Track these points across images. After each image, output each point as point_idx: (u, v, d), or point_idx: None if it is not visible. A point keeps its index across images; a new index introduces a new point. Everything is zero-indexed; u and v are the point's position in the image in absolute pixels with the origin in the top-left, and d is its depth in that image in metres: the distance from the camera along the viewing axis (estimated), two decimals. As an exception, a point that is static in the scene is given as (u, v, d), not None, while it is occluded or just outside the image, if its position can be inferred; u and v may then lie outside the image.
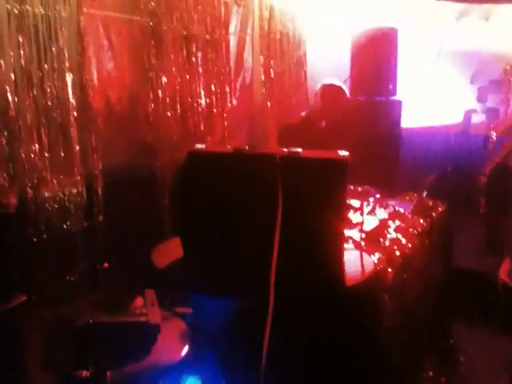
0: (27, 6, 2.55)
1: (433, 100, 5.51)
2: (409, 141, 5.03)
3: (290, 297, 1.93)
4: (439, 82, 5.56)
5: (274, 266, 1.88)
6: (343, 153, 1.96)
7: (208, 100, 3.69)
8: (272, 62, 4.31)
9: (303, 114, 3.74)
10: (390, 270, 2.38)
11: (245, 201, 2.02)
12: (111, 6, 2.93)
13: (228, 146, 3.80)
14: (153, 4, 3.15)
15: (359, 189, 3.38)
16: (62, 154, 2.73)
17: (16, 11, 2.52)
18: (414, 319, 2.77)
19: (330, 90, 3.52)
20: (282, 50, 4.44)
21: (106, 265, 2.91)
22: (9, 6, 2.48)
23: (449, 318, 3.39)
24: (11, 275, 1.92)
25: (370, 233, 2.62)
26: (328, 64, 4.84)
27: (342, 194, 1.97)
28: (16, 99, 2.53)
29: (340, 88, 3.56)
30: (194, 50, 3.52)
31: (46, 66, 2.64)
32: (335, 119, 3.56)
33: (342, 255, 1.98)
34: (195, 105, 3.57)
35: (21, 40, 2.53)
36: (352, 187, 3.24)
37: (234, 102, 4.00)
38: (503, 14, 5.85)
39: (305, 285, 1.94)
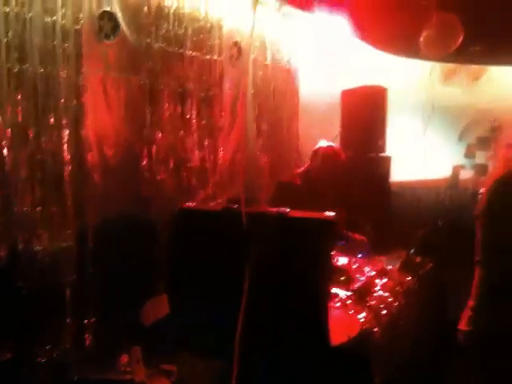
0: (27, 65, 2.64)
1: (423, 155, 5.62)
2: (399, 195, 5.11)
3: (276, 357, 1.93)
4: (429, 138, 5.70)
5: (261, 327, 1.90)
6: (330, 213, 2.01)
7: (201, 155, 3.76)
8: (264, 117, 4.42)
9: (299, 171, 3.80)
10: (376, 329, 2.39)
11: (232, 258, 2.06)
12: (110, 66, 3.03)
13: (219, 201, 3.89)
14: (150, 63, 3.26)
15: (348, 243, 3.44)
16: (55, 209, 2.77)
17: (16, 70, 2.61)
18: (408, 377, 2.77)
19: (329, 153, 3.61)
20: (274, 107, 4.56)
21: (93, 319, 2.91)
22: (9, 65, 2.58)
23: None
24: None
25: (356, 291, 2.65)
26: (319, 118, 4.97)
27: (329, 253, 2.02)
28: (11, 154, 2.59)
29: (338, 150, 3.67)
30: (189, 106, 3.62)
31: (43, 122, 2.72)
32: (333, 180, 3.64)
33: (328, 315, 2.00)
34: (188, 160, 3.64)
35: (19, 97, 2.62)
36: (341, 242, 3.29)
37: (227, 156, 4.07)
38: (492, 73, 6.07)
39: (291, 344, 1.96)
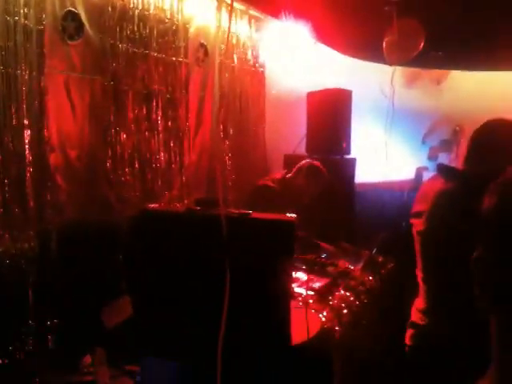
0: (-12, 66, 2.61)
1: (386, 157, 5.73)
2: (363, 196, 5.21)
3: (237, 358, 1.96)
4: (392, 141, 5.81)
5: (222, 327, 1.92)
6: (291, 215, 2.05)
7: (166, 156, 3.77)
8: (230, 119, 4.45)
9: (276, 176, 3.83)
10: (337, 328, 2.44)
11: (195, 261, 2.07)
12: (74, 67, 3.01)
13: (186, 202, 3.90)
14: (114, 65, 3.25)
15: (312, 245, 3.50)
16: (17, 210, 2.75)
17: (-23, 70, 2.58)
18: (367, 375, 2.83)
19: (313, 172, 3.68)
20: (241, 109, 4.60)
21: (56, 321, 2.88)
22: (-31, 65, 2.55)
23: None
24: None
25: (318, 290, 2.70)
26: (285, 121, 5.02)
27: (290, 254, 2.05)
28: (-28, 154, 2.56)
29: (323, 170, 3.74)
30: (154, 107, 3.62)
31: (4, 122, 2.69)
32: (313, 196, 3.71)
33: (289, 314, 2.04)
34: (153, 161, 3.64)
35: (-20, 98, 2.59)
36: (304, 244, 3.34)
37: (193, 157, 4.09)
38: (454, 78, 6.24)
39: (251, 345, 1.98)
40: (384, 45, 3.63)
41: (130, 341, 2.37)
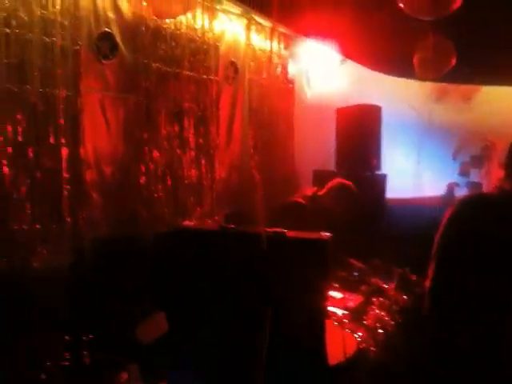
0: (28, 86, 2.68)
1: (417, 173, 5.68)
2: (394, 212, 5.15)
3: (275, 378, 1.94)
4: (423, 156, 5.76)
5: (259, 344, 1.91)
6: (325, 234, 2.04)
7: (197, 172, 3.80)
8: (260, 135, 4.47)
9: (307, 193, 3.82)
10: (373, 348, 2.41)
11: (229, 278, 2.08)
12: (108, 86, 3.07)
13: (216, 218, 3.92)
14: (147, 83, 3.30)
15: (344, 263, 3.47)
16: (53, 226, 2.79)
17: (16, 90, 2.64)
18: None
19: (345, 191, 3.67)
20: (270, 125, 4.61)
21: (91, 336, 2.91)
22: (9, 85, 2.61)
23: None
24: None
25: (353, 310, 2.66)
26: (314, 136, 5.02)
27: (325, 273, 2.04)
28: (12, 172, 2.62)
29: (354, 190, 3.72)
30: (186, 125, 3.66)
31: (42, 141, 2.75)
32: (345, 214, 3.69)
33: (325, 334, 2.02)
34: (185, 177, 3.67)
35: (19, 117, 2.65)
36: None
37: (223, 173, 4.11)
38: (484, 93, 6.17)
39: (287, 364, 1.97)
40: (415, 60, 3.61)
41: (163, 356, 2.37)
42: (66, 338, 2.76)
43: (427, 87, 5.62)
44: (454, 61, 3.60)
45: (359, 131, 4.70)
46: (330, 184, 3.74)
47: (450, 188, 6.05)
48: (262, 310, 1.94)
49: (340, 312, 2.57)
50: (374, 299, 2.92)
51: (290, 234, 2.08)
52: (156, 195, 3.42)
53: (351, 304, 2.75)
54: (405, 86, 5.44)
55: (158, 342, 2.23)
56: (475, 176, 6.31)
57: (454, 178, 6.31)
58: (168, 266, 2.21)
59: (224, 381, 1.99)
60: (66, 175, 2.84)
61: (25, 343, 2.54)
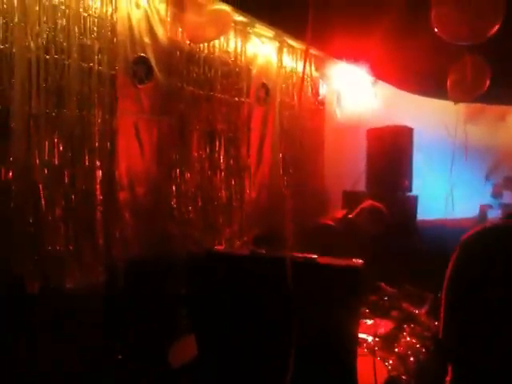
0: (65, 110, 2.76)
1: (449, 194, 5.59)
2: (425, 235, 5.07)
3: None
4: (455, 177, 5.67)
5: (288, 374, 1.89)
6: (357, 261, 2.02)
7: (227, 193, 3.82)
8: (291, 155, 4.48)
9: (338, 215, 3.81)
10: (404, 377, 2.36)
11: (260, 304, 2.07)
12: (143, 109, 3.14)
13: (245, 239, 3.92)
14: (181, 106, 3.36)
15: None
16: (86, 247, 2.85)
17: (53, 114, 2.72)
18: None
19: (375, 214, 3.66)
20: (301, 145, 4.62)
21: (120, 356, 2.93)
22: (48, 110, 2.70)
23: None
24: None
25: (383, 336, 2.62)
26: (344, 157, 5.00)
27: (357, 301, 2.02)
28: (47, 193, 2.69)
29: (385, 213, 3.71)
30: (217, 146, 3.70)
31: (78, 163, 2.81)
32: (374, 236, 3.68)
33: (355, 363, 1.99)
34: (215, 198, 3.70)
35: (56, 140, 2.73)
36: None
37: (253, 194, 4.13)
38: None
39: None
40: (448, 83, 3.58)
41: (194, 379, 2.37)
42: (99, 359, 2.80)
43: (460, 107, 5.55)
44: (487, 83, 3.55)
45: (390, 152, 4.66)
46: (361, 206, 3.71)
47: (483, 210, 5.94)
48: (291, 339, 1.93)
49: (370, 339, 2.54)
50: (405, 325, 2.87)
51: (322, 260, 2.07)
52: (187, 216, 3.46)
53: (382, 330, 2.71)
54: (437, 107, 5.39)
55: (188, 366, 2.24)
56: (508, 197, 6.18)
57: (486, 199, 6.20)
58: (199, 290, 2.22)
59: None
60: (99, 196, 2.91)
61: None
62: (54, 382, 2.50)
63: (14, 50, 2.52)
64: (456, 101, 4.02)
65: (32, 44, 2.58)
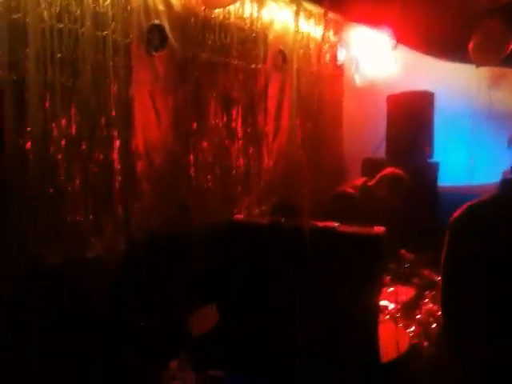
0: (80, 79, 2.73)
1: (471, 161, 5.49)
2: (446, 201, 5.00)
3: (328, 374, 1.93)
4: (477, 144, 5.55)
5: (310, 340, 1.90)
6: (379, 228, 2.00)
7: (245, 162, 3.79)
8: (308, 124, 4.41)
9: (357, 183, 3.74)
10: (426, 343, 2.35)
11: (280, 272, 2.07)
12: (158, 77, 3.09)
13: (263, 207, 3.90)
14: (196, 74, 3.31)
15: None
16: (106, 217, 2.85)
17: (69, 84, 2.69)
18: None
19: (396, 182, 3.59)
20: (318, 113, 4.54)
21: (142, 324, 2.96)
22: (63, 80, 2.67)
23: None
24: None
25: (405, 303, 2.61)
26: (364, 124, 4.92)
27: (379, 268, 2.00)
28: (66, 165, 2.68)
29: (406, 180, 3.63)
30: (234, 115, 3.65)
31: (95, 133, 2.79)
32: (396, 204, 3.63)
33: (377, 331, 1.98)
34: (233, 167, 3.67)
35: (73, 111, 2.70)
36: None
37: (270, 163, 4.09)
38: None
39: (342, 361, 1.95)
40: (471, 46, 3.47)
41: (214, 347, 2.39)
42: (118, 326, 2.83)
43: (482, 72, 5.39)
44: (510, 46, 3.43)
45: (411, 118, 4.57)
46: (381, 174, 3.66)
47: (505, 176, 5.82)
48: (313, 306, 1.93)
49: (392, 306, 2.52)
50: (427, 292, 2.85)
51: (343, 228, 2.05)
52: (205, 185, 3.43)
53: (403, 297, 2.69)
54: (458, 72, 5.24)
55: (210, 334, 2.26)
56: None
57: (508, 165, 6.07)
58: (220, 259, 2.22)
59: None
60: (117, 166, 2.89)
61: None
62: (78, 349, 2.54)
63: (27, 20, 2.48)
64: (478, 64, 3.90)
65: (45, 13, 2.53)
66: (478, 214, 1.66)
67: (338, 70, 4.78)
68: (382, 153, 4.80)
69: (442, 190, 4.81)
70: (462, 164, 5.35)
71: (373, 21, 3.88)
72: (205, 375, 2.68)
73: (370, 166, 4.49)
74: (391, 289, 2.78)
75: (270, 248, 2.04)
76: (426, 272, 3.18)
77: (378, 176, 3.64)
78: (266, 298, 2.07)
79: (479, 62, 3.72)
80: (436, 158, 4.76)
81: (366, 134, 4.93)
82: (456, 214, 1.68)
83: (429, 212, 4.50)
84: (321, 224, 1.97)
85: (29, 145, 2.53)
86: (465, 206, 1.63)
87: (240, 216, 2.29)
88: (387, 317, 2.44)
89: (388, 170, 3.63)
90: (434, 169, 4.68)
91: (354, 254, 1.93)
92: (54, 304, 2.53)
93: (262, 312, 2.04)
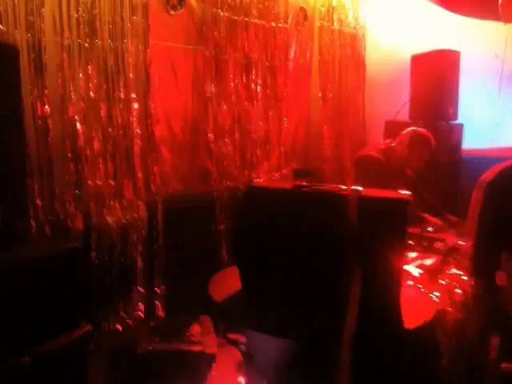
0: (97, 40, 2.67)
1: (497, 122, 5.34)
2: (470, 165, 4.89)
3: (347, 339, 1.91)
4: (503, 105, 5.39)
5: (333, 307, 1.87)
6: (404, 192, 1.94)
7: (265, 126, 3.71)
8: (329, 86, 4.29)
9: (382, 147, 3.64)
10: (450, 309, 2.32)
11: (304, 238, 2.02)
12: (176, 38, 3.02)
13: (284, 171, 3.84)
14: (215, 34, 3.22)
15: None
16: (126, 181, 2.83)
17: (87, 45, 2.64)
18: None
19: (419, 140, 3.48)
20: (340, 74, 4.42)
21: (163, 287, 2.98)
22: (80, 41, 2.61)
23: None
24: (77, 303, 2.00)
25: (428, 268, 2.57)
26: (387, 85, 4.79)
27: (404, 233, 1.95)
28: (84, 128, 2.66)
29: (429, 138, 3.51)
30: (254, 76, 3.56)
31: (113, 96, 2.75)
32: (420, 167, 3.53)
33: (399, 298, 1.95)
34: (253, 131, 3.60)
35: (90, 72, 2.66)
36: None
37: (291, 126, 4.01)
38: None
39: (365, 328, 1.92)
40: (500, 1, 3.30)
41: (235, 311, 2.39)
42: (141, 290, 2.85)
43: (509, 30, 5.18)
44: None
45: (436, 79, 4.41)
46: (403, 134, 3.55)
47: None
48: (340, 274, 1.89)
49: (415, 271, 2.48)
50: (451, 258, 2.80)
51: (367, 192, 1.99)
52: (224, 149, 3.38)
53: (427, 262, 2.65)
54: (485, 30, 5.04)
55: (233, 300, 2.24)
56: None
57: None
58: (242, 225, 2.19)
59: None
60: (137, 130, 2.86)
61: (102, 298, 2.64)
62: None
63: (42, -21, 2.42)
64: (508, 21, 3.73)
65: (61, -28, 2.47)
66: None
67: (361, 29, 4.61)
68: (405, 115, 4.68)
69: (466, 152, 4.70)
70: (487, 126, 5.21)
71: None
72: (225, 338, 2.70)
73: (393, 129, 4.37)
74: (414, 254, 2.73)
75: (292, 213, 1.99)
76: (449, 237, 3.12)
77: (399, 136, 3.54)
78: (289, 263, 2.03)
79: (509, 18, 3.56)
80: (461, 120, 4.63)
81: (389, 96, 4.79)
82: (491, 173, 1.72)
83: (452, 175, 4.41)
84: (345, 188, 1.91)
85: (47, 108, 2.50)
86: (500, 166, 1.66)
87: (260, 181, 2.25)
88: (410, 282, 2.40)
89: (410, 130, 3.52)
90: (458, 131, 4.56)
91: (379, 218, 1.87)
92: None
93: (285, 277, 2.01)
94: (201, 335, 2.60)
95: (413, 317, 2.00)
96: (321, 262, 1.96)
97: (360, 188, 1.99)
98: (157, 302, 2.93)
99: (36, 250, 2.00)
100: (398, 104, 4.64)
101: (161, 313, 2.91)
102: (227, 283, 2.38)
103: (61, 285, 1.96)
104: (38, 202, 2.50)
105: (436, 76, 4.41)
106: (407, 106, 4.58)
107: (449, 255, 2.79)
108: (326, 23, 4.15)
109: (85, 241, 2.65)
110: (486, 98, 5.29)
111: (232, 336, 2.73)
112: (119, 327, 2.72)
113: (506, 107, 5.38)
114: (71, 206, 2.62)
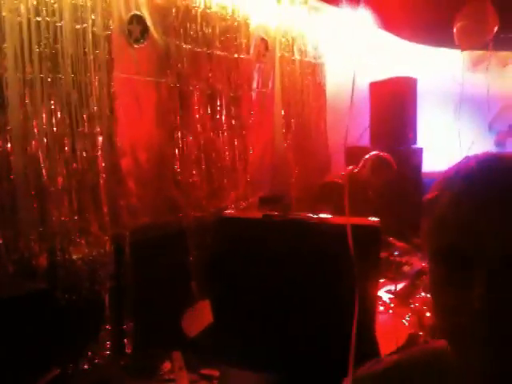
0: (60, 75, 2.64)
1: (454, 145, 5.51)
2: (431, 186, 5.02)
3: (321, 369, 1.90)
4: (459, 127, 5.57)
5: (307, 336, 1.86)
6: (374, 219, 1.97)
7: (231, 155, 3.73)
8: (292, 114, 4.36)
9: (345, 173, 3.70)
10: (421, 333, 2.35)
11: (275, 267, 2.02)
12: (140, 70, 3.02)
13: (251, 200, 3.85)
14: (179, 66, 3.23)
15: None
16: (91, 216, 2.78)
17: (49, 79, 2.61)
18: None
19: (382, 164, 3.56)
20: (302, 102, 4.50)
21: (132, 324, 2.91)
22: (43, 75, 2.58)
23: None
24: (45, 346, 1.93)
25: (398, 293, 2.60)
26: (347, 112, 4.88)
27: (375, 260, 1.97)
28: (48, 164, 2.60)
29: (391, 162, 3.60)
30: (218, 107, 3.58)
31: (77, 130, 2.71)
32: (381, 189, 3.61)
33: (375, 324, 1.96)
34: (219, 160, 3.61)
35: (53, 107, 2.62)
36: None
37: (256, 155, 4.03)
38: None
39: (336, 358, 1.92)
40: (456, 30, 3.45)
41: (207, 345, 2.35)
42: (108, 327, 2.78)
43: (462, 56, 5.40)
44: (495, 29, 3.43)
45: (394, 105, 4.56)
46: (366, 158, 3.63)
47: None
48: (310, 300, 1.89)
49: (386, 296, 2.51)
50: (419, 281, 2.85)
51: (335, 219, 2.01)
52: (191, 180, 3.37)
53: (396, 287, 2.68)
54: (440, 56, 5.25)
55: (205, 333, 2.21)
56: (512, 146, 6.12)
57: (490, 148, 6.12)
58: (212, 255, 2.17)
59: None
60: (101, 164, 2.82)
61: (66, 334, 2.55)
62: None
63: (3, 14, 2.39)
64: (464, 48, 3.89)
65: (22, 6, 2.44)
66: None
67: (320, 58, 4.72)
68: (366, 141, 4.79)
69: (426, 175, 4.83)
70: (445, 149, 5.37)
71: (352, 3, 3.82)
72: (197, 374, 2.64)
73: (354, 155, 4.46)
74: (383, 279, 2.77)
75: (263, 242, 1.99)
76: (416, 260, 3.18)
77: (363, 161, 3.62)
78: (260, 293, 2.02)
79: (464, 45, 3.71)
80: (420, 145, 4.77)
81: (349, 122, 4.89)
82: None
83: (414, 199, 4.50)
84: (313, 216, 1.92)
85: (9, 145, 2.44)
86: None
87: (230, 211, 2.25)
88: (382, 308, 2.42)
89: (373, 154, 3.61)
90: (418, 154, 4.69)
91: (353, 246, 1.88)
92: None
93: (258, 307, 2.00)
94: (172, 372, 2.54)
95: (386, 342, 2.01)
96: (293, 291, 1.96)
97: (329, 216, 2.02)
98: (125, 340, 2.86)
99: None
100: (359, 130, 4.75)
101: (129, 350, 2.83)
102: (200, 318, 2.35)
103: (27, 327, 1.89)
104: (0, 240, 2.43)
105: (394, 102, 4.56)
106: (367, 132, 4.70)
107: (417, 279, 2.84)
108: (286, 54, 4.23)
109: (50, 279, 2.57)
110: (443, 122, 5.47)
111: (205, 371, 2.68)
112: (87, 367, 2.63)
113: (462, 130, 5.56)
114: (35, 243, 2.55)
